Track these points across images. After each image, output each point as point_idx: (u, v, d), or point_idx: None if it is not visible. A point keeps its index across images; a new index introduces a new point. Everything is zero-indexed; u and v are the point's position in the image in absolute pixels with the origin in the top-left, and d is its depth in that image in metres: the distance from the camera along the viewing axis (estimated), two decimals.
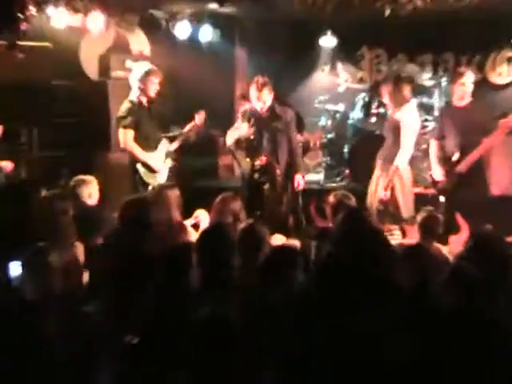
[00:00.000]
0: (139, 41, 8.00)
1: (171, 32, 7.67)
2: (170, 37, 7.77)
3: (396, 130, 5.88)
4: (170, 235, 4.54)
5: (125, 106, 6.23)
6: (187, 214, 5.27)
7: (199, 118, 6.51)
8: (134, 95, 6.25)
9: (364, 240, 3.75)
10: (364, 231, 3.91)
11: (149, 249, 3.99)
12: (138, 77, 6.23)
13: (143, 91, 6.24)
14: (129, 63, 7.27)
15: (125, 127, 6.15)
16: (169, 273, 3.64)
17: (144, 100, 6.28)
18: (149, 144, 6.31)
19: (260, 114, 6.03)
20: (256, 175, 6.08)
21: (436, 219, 4.81)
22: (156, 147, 6.39)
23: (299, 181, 6.16)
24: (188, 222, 5.18)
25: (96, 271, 4.12)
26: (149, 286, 3.58)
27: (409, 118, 5.86)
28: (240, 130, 6.07)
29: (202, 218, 5.25)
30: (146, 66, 6.38)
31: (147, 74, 6.21)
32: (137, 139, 6.19)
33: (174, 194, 5.01)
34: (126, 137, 6.14)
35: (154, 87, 6.26)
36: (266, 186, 6.05)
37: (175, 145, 6.50)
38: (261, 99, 5.95)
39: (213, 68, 8.09)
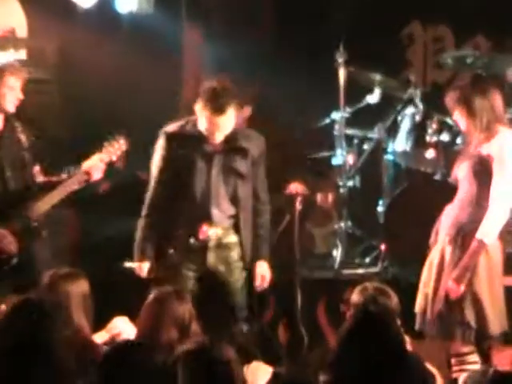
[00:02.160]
0: (9, 11, 6.88)
1: None
2: (65, 4, 6.83)
3: (480, 174, 4.85)
4: (65, 362, 3.72)
5: None
6: (100, 321, 4.58)
7: (115, 147, 5.42)
8: None
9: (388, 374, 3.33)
10: (402, 360, 3.41)
11: None
12: None
13: None
14: None
15: None
16: None
17: None
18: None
19: (208, 148, 4.89)
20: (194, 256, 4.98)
21: None
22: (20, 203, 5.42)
23: (262, 273, 5.05)
24: (99, 338, 4.52)
25: None
26: None
27: (509, 150, 4.83)
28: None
29: (122, 330, 4.55)
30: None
31: None
32: None
33: (78, 289, 4.31)
34: None
35: (11, 96, 5.28)
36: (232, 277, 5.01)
37: (59, 196, 5.36)
38: (214, 123, 4.74)
39: (141, 59, 6.86)
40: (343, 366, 3.51)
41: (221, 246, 4.98)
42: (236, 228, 5.07)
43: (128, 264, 6.15)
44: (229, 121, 4.88)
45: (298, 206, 5.96)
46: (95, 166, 5.32)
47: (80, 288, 4.45)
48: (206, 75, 6.89)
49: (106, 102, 6.89)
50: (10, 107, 5.28)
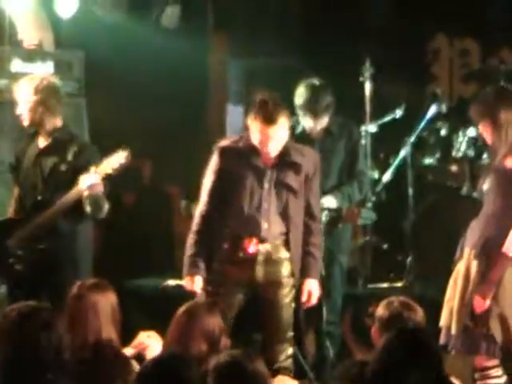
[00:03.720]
0: (37, 23, 6.63)
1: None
2: (92, 17, 6.69)
3: (505, 187, 4.79)
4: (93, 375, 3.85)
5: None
6: (126, 337, 4.38)
7: (114, 160, 5.23)
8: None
9: None
10: (429, 371, 3.21)
11: None
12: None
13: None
14: (17, 65, 6.31)
15: None
16: None
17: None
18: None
19: (261, 163, 4.84)
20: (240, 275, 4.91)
21: None
22: None
23: (310, 291, 4.96)
24: (127, 352, 4.36)
25: None
26: None
27: None
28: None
29: (150, 345, 4.37)
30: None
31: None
32: None
33: (107, 300, 4.17)
34: None
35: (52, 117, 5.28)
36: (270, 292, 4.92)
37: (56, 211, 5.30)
38: (266, 134, 4.71)
39: (167, 73, 6.92)
40: (379, 377, 3.39)
41: (270, 261, 4.94)
42: (286, 245, 5.00)
43: (171, 282, 6.30)
44: (281, 131, 4.86)
45: (325, 220, 5.94)
46: (88, 177, 5.27)
47: (108, 299, 4.41)
48: (231, 90, 7.11)
49: (132, 116, 6.88)
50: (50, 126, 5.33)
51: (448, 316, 4.96)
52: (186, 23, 7.20)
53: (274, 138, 4.79)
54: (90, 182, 5.24)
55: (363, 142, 6.94)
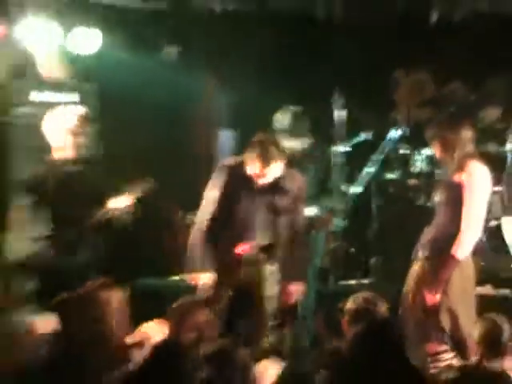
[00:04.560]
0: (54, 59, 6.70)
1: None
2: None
3: (453, 199, 5.14)
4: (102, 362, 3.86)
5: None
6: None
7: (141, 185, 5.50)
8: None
9: (392, 370, 3.35)
10: (394, 356, 3.43)
11: None
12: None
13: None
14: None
15: None
16: None
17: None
18: None
19: (254, 185, 5.13)
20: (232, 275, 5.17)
21: (501, 331, 4.37)
22: None
23: (290, 291, 5.28)
24: (128, 341, 4.42)
25: None
26: None
27: (477, 180, 5.13)
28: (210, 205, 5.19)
29: (152, 335, 4.40)
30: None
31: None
32: None
33: (116, 299, 4.18)
34: None
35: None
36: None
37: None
38: (263, 173, 5.06)
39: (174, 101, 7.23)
40: (359, 369, 3.49)
41: (255, 263, 5.11)
42: (272, 254, 5.22)
43: (177, 277, 6.48)
44: (276, 170, 5.10)
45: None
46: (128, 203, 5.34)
47: (117, 298, 4.39)
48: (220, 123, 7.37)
49: (146, 141, 7.06)
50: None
51: (405, 307, 5.17)
52: (183, 59, 7.33)
53: (269, 177, 5.03)
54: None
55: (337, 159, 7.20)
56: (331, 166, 7.25)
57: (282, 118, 6.66)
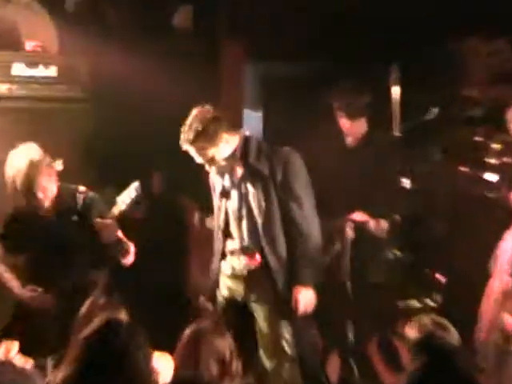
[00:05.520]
0: (38, 24, 6.44)
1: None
2: (98, 20, 6.86)
3: None
4: None
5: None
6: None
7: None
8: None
9: None
10: None
11: None
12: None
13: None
14: (18, 69, 6.06)
15: None
16: None
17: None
18: None
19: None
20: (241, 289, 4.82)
21: None
22: None
23: (297, 298, 4.73)
24: None
25: None
26: None
27: None
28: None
29: (161, 367, 4.16)
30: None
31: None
32: None
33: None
34: None
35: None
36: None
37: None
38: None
39: (176, 77, 6.57)
40: None
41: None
42: (265, 261, 4.85)
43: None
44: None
45: (351, 233, 5.86)
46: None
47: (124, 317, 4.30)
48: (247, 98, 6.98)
49: (140, 123, 6.64)
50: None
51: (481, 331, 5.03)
52: (196, 26, 7.10)
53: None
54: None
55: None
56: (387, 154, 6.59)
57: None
